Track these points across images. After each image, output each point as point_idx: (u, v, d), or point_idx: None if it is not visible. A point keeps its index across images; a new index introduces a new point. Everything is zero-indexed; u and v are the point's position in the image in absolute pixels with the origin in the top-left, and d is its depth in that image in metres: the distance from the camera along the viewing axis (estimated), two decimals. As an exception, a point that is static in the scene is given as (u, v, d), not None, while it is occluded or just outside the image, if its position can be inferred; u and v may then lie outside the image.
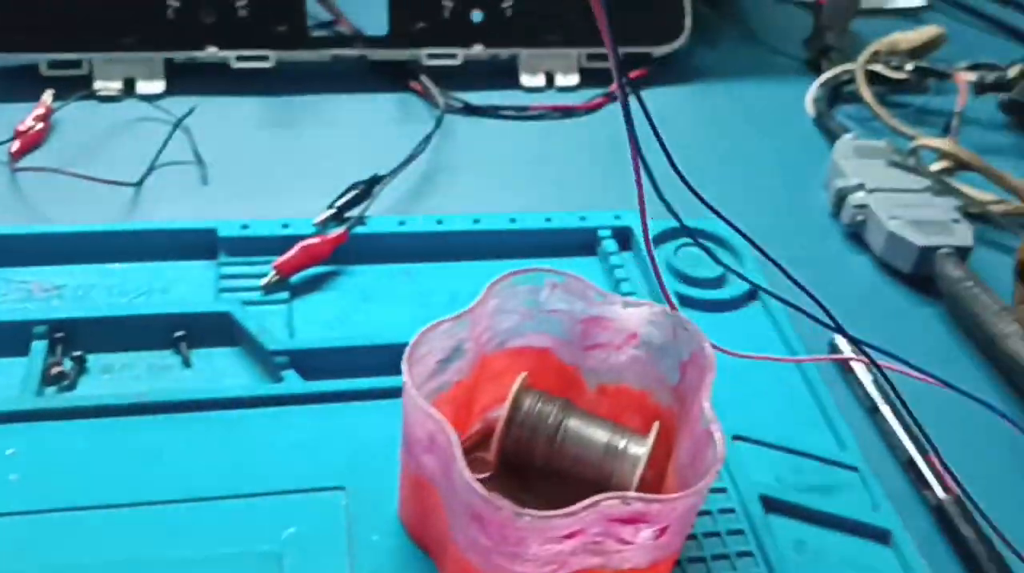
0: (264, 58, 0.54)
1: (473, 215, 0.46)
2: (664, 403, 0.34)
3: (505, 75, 0.58)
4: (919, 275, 0.48)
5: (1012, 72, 0.58)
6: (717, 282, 0.45)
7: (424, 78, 0.55)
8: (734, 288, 0.45)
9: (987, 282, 0.48)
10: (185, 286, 0.42)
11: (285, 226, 0.44)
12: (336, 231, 0.43)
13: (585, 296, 0.33)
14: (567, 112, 0.56)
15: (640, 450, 0.32)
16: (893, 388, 0.33)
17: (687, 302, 0.44)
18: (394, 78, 0.56)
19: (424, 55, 0.56)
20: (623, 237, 0.47)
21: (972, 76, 0.59)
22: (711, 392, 0.30)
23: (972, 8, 0.72)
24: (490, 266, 0.45)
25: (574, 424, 0.33)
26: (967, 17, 0.73)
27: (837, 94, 0.61)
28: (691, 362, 0.32)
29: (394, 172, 0.47)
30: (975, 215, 0.52)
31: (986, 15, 0.72)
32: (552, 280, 0.34)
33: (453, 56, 0.56)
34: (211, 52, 0.53)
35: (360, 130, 0.53)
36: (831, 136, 0.56)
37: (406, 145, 0.50)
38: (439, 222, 0.45)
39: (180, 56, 0.53)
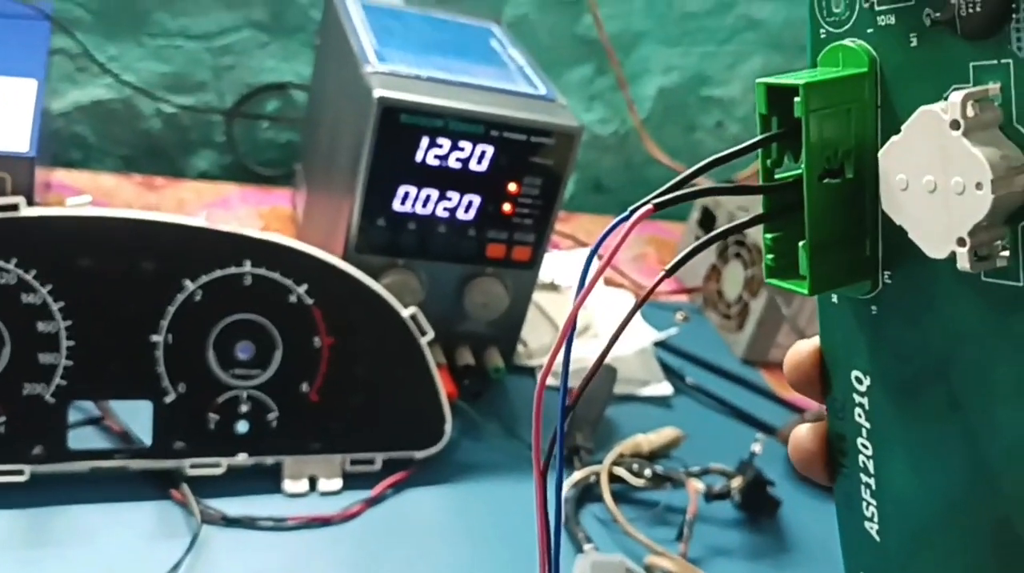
0: (19, 472, 0.54)
1: (209, 665, 0.46)
2: None
3: (269, 478, 0.60)
4: None
5: (734, 483, 0.65)
6: None
7: (185, 487, 0.56)
8: None
9: None
10: None
11: None
12: None
13: None
14: (325, 521, 0.58)
15: None
16: None
17: None
18: (156, 484, 0.57)
19: (187, 465, 0.57)
20: None
21: (701, 486, 0.65)
22: None
23: (714, 396, 0.81)
24: None
25: None
26: (710, 401, 0.81)
27: (588, 492, 0.66)
28: None
29: (133, 614, 0.47)
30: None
31: (726, 402, 0.81)
32: None
33: (217, 465, 0.58)
34: (-39, 468, 0.53)
35: (114, 547, 0.53)
36: (576, 544, 0.60)
37: (162, 564, 0.50)
38: None
39: (-73, 471, 0.53)
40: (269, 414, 0.59)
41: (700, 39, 1.14)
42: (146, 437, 0.57)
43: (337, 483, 0.61)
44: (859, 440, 0.26)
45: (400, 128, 0.62)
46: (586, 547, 0.59)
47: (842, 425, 0.27)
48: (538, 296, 0.83)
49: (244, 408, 0.58)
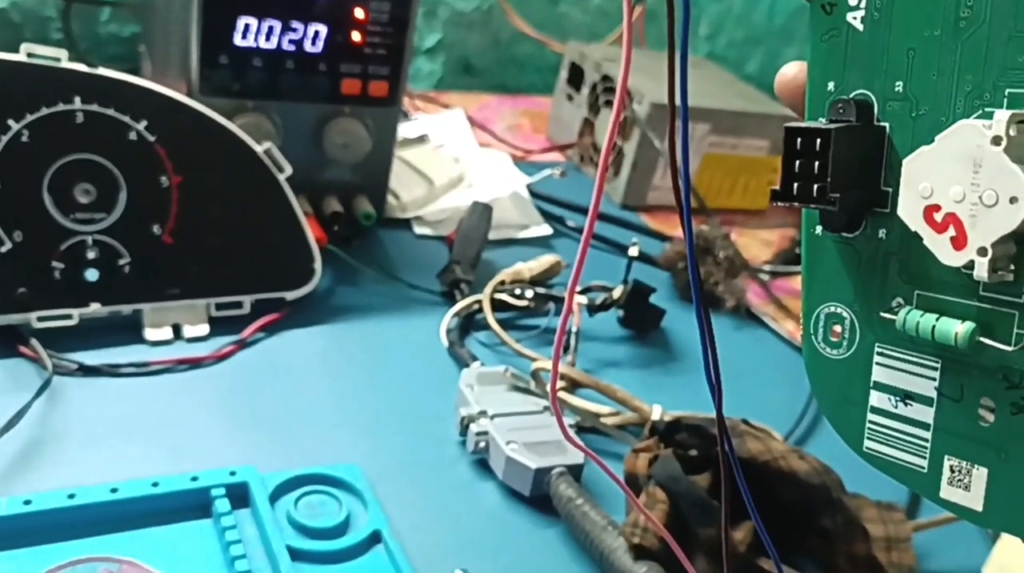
0: None
1: (68, 490, 0.43)
2: None
3: (129, 330, 0.56)
4: (538, 496, 0.50)
5: (616, 293, 0.65)
6: (338, 531, 0.45)
7: (34, 342, 0.53)
8: (354, 536, 0.45)
9: (604, 494, 0.51)
10: None
11: None
12: (-103, 528, 0.39)
13: (145, 580, 0.32)
14: (194, 364, 0.55)
15: None
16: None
17: (302, 557, 0.43)
18: (2, 343, 0.53)
19: (34, 318, 0.53)
20: (239, 494, 0.45)
21: (584, 299, 0.64)
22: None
23: (595, 234, 0.80)
24: (89, 544, 0.42)
25: None
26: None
27: (471, 322, 0.65)
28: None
29: (-21, 451, 0.44)
30: (591, 429, 0.55)
31: (602, 237, 0.80)
32: (107, 568, 0.32)
33: (68, 317, 0.54)
34: None
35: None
36: (462, 365, 0.59)
37: (8, 417, 0.47)
38: (27, 502, 0.42)
39: None
40: (120, 260, 0.55)
41: (553, -98, 1.11)
42: (-14, 295, 0.53)
43: (204, 329, 0.58)
44: None
45: (231, -49, 0.59)
46: (472, 364, 0.58)
47: None
48: (408, 153, 0.81)
49: (91, 254, 0.55)
